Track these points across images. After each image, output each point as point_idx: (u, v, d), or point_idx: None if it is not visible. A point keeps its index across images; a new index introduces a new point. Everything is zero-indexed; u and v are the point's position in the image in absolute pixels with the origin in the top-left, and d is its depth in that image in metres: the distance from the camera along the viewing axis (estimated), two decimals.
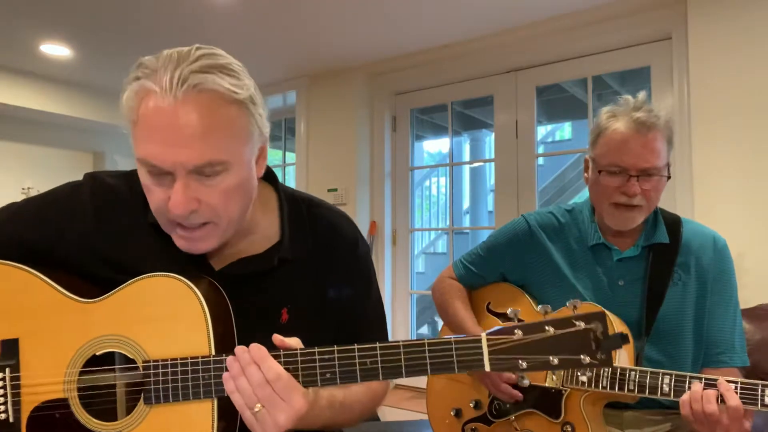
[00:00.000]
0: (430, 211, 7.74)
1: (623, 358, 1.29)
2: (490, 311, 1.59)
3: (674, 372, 1.19)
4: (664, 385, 1.19)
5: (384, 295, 3.15)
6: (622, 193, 1.35)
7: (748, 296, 2.23)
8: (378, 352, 0.84)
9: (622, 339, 0.80)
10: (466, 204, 7.71)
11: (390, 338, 1.19)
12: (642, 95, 1.40)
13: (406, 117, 3.89)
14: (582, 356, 0.79)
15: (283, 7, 2.95)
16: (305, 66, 3.86)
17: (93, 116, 4.43)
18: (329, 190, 3.85)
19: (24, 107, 4.07)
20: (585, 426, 1.27)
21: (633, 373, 1.22)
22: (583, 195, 1.53)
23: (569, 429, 1.29)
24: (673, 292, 1.40)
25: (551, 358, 0.80)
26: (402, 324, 3.79)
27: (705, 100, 2.57)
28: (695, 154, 2.58)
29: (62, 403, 0.91)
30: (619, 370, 1.23)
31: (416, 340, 0.85)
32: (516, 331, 0.81)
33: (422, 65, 3.62)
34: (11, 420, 0.91)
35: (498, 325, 1.51)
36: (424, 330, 6.37)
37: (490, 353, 0.82)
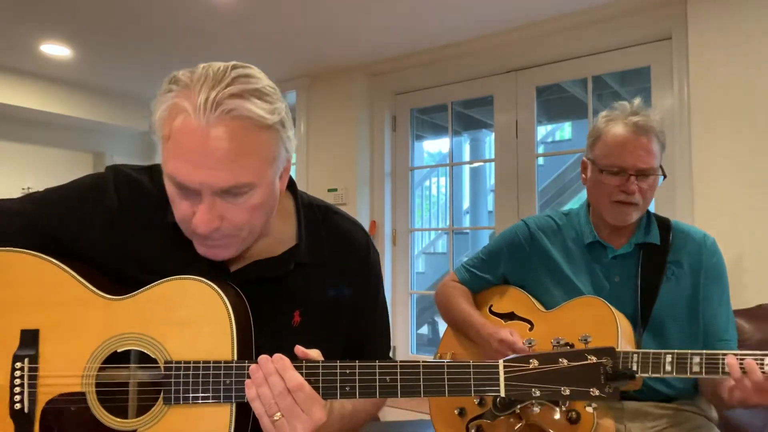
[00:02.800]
0: (430, 211, 7.74)
1: (626, 348, 1.32)
2: (492, 313, 1.61)
3: (675, 351, 1.23)
4: (667, 364, 1.23)
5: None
6: (621, 191, 1.43)
7: (748, 296, 2.23)
8: (398, 370, 0.87)
9: (629, 376, 0.85)
10: (466, 204, 7.71)
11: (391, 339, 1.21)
12: (638, 101, 1.49)
13: (406, 117, 3.89)
14: (592, 389, 0.84)
15: (283, 7, 2.95)
16: (305, 66, 3.86)
17: (93, 116, 4.43)
18: (329, 190, 3.85)
19: (24, 107, 4.07)
20: (590, 413, 1.29)
21: (636, 355, 1.27)
22: (583, 196, 1.57)
23: (574, 416, 1.31)
24: (668, 287, 1.46)
25: (563, 388, 0.84)
26: (402, 324, 3.79)
27: (705, 100, 2.57)
28: (695, 154, 2.57)
29: (79, 397, 0.92)
30: (622, 354, 1.28)
31: (436, 361, 0.88)
32: (531, 360, 0.86)
33: (422, 65, 3.62)
34: (26, 410, 0.92)
35: (501, 325, 1.53)
36: (424, 330, 6.36)
37: (506, 379, 0.85)
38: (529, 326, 1.52)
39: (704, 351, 1.21)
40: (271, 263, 1.00)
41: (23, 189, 4.29)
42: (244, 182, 0.85)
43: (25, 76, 4.02)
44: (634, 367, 1.26)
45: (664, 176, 1.47)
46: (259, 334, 0.93)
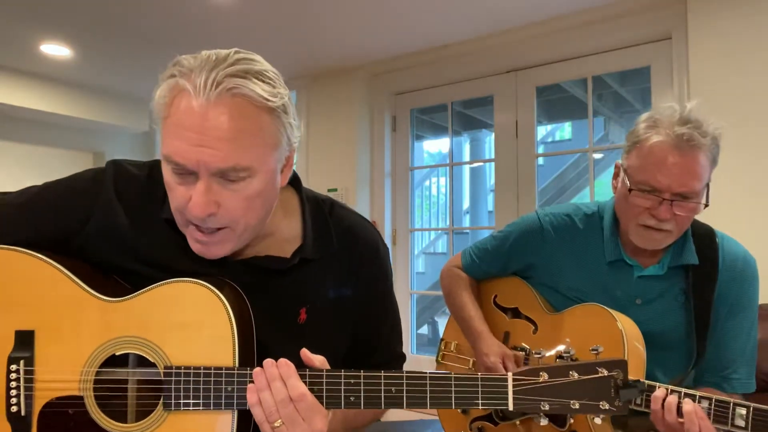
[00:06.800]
0: (430, 211, 7.74)
1: (638, 370, 1.25)
2: (496, 305, 1.56)
3: (683, 389, 1.12)
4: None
5: None
6: (651, 215, 1.22)
7: None
8: (404, 381, 0.85)
9: (640, 391, 0.83)
10: (466, 204, 7.71)
11: None
12: (693, 105, 1.24)
13: (406, 117, 3.90)
14: (601, 403, 0.82)
15: (283, 8, 2.95)
16: (305, 66, 3.86)
17: (93, 116, 4.43)
18: (329, 190, 3.85)
19: (24, 107, 4.07)
20: None
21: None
22: (584, 196, 1.50)
23: None
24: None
25: (572, 402, 0.82)
26: (402, 324, 3.77)
27: (705, 100, 2.56)
28: None
29: (77, 401, 0.90)
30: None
31: (443, 372, 0.87)
32: (541, 373, 0.84)
33: (422, 65, 3.62)
34: (23, 413, 0.90)
35: (504, 321, 1.52)
36: (424, 330, 6.36)
37: (514, 392, 0.83)
38: (533, 328, 1.46)
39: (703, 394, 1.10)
40: (274, 260, 0.96)
41: None
42: (243, 165, 0.82)
43: (25, 76, 4.02)
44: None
45: (706, 204, 1.23)
46: (264, 332, 0.91)
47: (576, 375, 0.83)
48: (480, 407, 0.85)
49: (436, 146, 7.15)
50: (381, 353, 1.09)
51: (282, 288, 0.97)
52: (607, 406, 0.82)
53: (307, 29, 3.24)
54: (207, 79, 0.79)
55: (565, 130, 8.05)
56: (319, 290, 0.99)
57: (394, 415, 3.14)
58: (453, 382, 0.84)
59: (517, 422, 1.39)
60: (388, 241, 3.89)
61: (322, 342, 0.93)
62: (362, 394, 0.85)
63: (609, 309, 1.29)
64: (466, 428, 1.51)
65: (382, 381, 0.85)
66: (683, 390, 1.11)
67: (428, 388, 0.85)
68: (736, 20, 2.51)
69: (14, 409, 0.90)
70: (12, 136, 4.42)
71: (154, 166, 0.99)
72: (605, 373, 0.82)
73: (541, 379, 0.83)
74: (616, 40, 2.99)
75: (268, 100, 0.82)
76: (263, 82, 0.83)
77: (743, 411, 1.06)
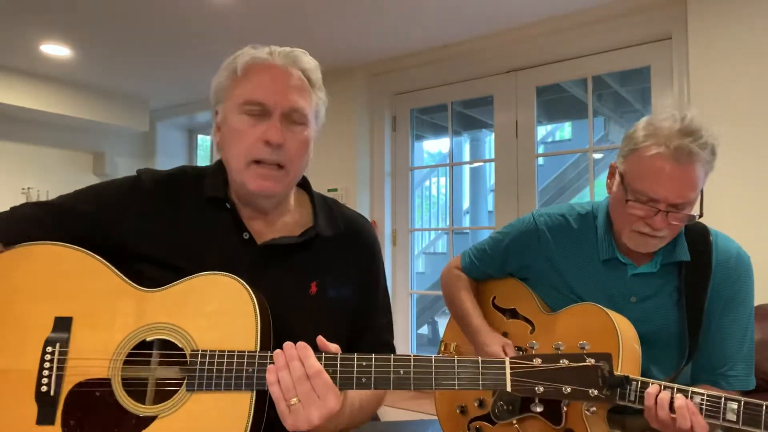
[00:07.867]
0: (430, 211, 7.75)
1: (634, 369, 1.25)
2: (495, 306, 1.57)
3: (676, 385, 1.13)
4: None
5: None
6: (646, 224, 1.24)
7: None
8: (412, 363, 0.92)
9: (626, 380, 0.90)
10: (466, 204, 7.72)
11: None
12: (693, 113, 1.21)
13: (406, 117, 3.90)
14: (591, 390, 0.89)
15: (282, 8, 2.96)
16: None
17: (93, 116, 4.43)
18: (329, 190, 3.85)
19: (24, 107, 4.07)
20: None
21: (635, 383, 1.17)
22: (584, 196, 1.50)
23: None
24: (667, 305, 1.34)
25: (564, 387, 0.89)
26: (402, 324, 3.79)
27: (705, 100, 2.57)
28: None
29: (104, 382, 0.96)
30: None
31: (446, 357, 0.94)
32: (535, 359, 0.91)
33: (422, 65, 3.62)
34: (52, 393, 0.96)
35: (502, 322, 1.53)
36: (424, 330, 6.36)
37: (511, 375, 0.91)
38: (531, 328, 1.47)
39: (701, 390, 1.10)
40: (291, 238, 1.10)
41: (23, 189, 4.28)
42: (303, 110, 1.05)
43: (25, 76, 4.02)
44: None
45: (701, 215, 1.25)
46: (280, 303, 1.01)
47: (566, 362, 0.90)
48: (481, 389, 0.92)
49: (436, 146, 7.16)
50: (373, 338, 1.17)
51: (297, 263, 1.09)
52: (596, 393, 0.88)
53: (307, 29, 3.24)
54: (273, 51, 1.06)
55: (565, 130, 8.06)
56: (327, 268, 1.12)
57: (394, 415, 3.14)
58: (456, 365, 0.92)
59: (514, 421, 1.39)
60: (388, 241, 3.89)
61: (328, 312, 1.07)
62: (373, 376, 0.92)
63: (605, 308, 1.30)
64: (464, 428, 1.51)
65: (392, 363, 0.92)
66: (676, 386, 1.12)
67: (434, 371, 0.92)
68: (736, 20, 2.51)
69: (44, 388, 0.96)
70: (12, 136, 4.42)
71: (182, 169, 1.16)
72: (592, 362, 0.90)
73: (534, 363, 0.91)
74: (616, 40, 2.99)
75: (314, 73, 1.09)
76: (309, 58, 1.09)
77: (734, 405, 1.07)
